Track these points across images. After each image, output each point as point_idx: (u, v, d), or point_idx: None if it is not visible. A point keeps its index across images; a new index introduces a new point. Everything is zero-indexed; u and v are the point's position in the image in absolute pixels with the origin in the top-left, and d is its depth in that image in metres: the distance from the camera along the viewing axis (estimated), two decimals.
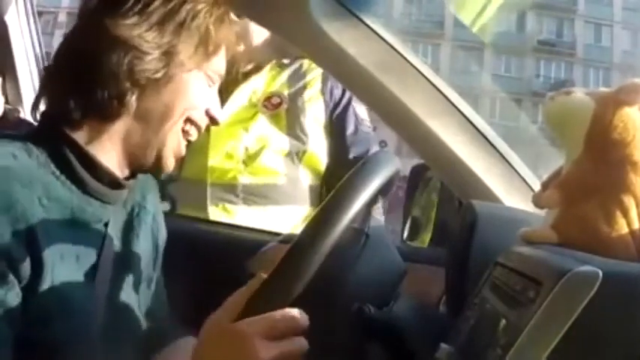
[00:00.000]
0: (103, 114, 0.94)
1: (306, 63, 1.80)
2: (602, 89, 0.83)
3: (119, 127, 0.96)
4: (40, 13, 2.22)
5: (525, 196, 1.32)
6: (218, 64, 1.00)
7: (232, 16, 1.01)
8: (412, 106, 1.32)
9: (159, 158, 0.97)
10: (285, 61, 1.81)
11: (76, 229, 0.93)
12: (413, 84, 1.32)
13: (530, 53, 29.40)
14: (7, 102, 2.13)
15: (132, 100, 0.93)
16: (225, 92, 1.76)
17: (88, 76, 0.92)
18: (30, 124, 2.10)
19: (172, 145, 0.97)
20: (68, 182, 0.93)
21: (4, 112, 2.09)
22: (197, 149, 1.71)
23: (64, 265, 0.91)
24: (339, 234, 0.90)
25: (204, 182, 1.71)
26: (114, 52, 0.91)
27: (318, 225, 0.90)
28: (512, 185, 1.35)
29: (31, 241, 0.86)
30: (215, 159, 1.71)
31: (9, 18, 2.00)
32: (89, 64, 0.92)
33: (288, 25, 1.33)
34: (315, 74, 1.79)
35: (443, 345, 0.82)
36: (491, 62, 29.03)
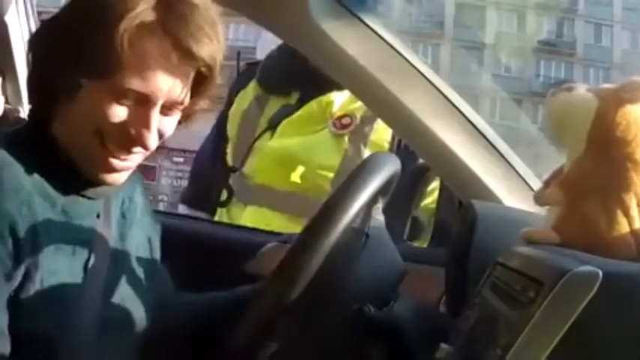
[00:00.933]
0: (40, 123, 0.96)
1: None
2: (605, 85, 0.82)
3: (58, 129, 0.96)
4: (40, 13, 2.22)
5: (525, 196, 1.32)
6: (127, 82, 0.90)
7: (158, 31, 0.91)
8: (412, 106, 1.32)
9: (89, 169, 0.95)
10: None
11: (68, 224, 0.94)
12: (413, 84, 1.32)
13: (530, 53, 29.39)
14: (7, 102, 2.13)
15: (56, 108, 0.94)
16: (304, 99, 1.74)
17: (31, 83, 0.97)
18: None
19: (96, 159, 0.94)
20: (50, 186, 0.94)
21: (4, 112, 2.09)
22: (259, 149, 1.72)
23: (58, 260, 0.92)
24: (339, 234, 0.90)
25: (252, 180, 1.72)
26: (39, 61, 0.95)
27: (319, 225, 0.90)
28: (512, 185, 1.35)
29: (22, 246, 0.88)
30: (267, 161, 1.72)
31: (9, 18, 2.00)
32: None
33: (288, 25, 1.33)
34: None
35: (443, 345, 0.82)
36: (491, 62, 29.03)
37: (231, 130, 1.83)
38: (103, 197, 1.01)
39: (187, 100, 0.95)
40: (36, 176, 0.92)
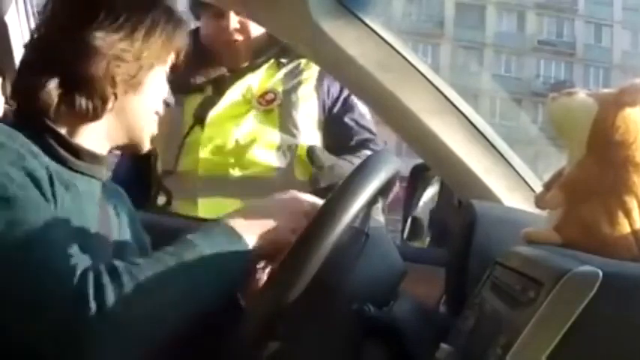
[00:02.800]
0: (86, 116, 1.03)
1: (303, 62, 1.82)
2: (605, 90, 0.83)
3: (101, 124, 1.05)
4: (40, 13, 2.22)
5: (525, 195, 1.32)
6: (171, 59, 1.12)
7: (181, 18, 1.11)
8: (412, 106, 1.32)
9: (139, 141, 1.11)
10: (284, 60, 1.82)
11: (77, 198, 1.00)
12: (413, 84, 1.32)
13: (530, 53, 29.41)
14: (7, 102, 2.13)
15: (112, 102, 1.03)
16: (220, 88, 1.79)
17: (66, 83, 1.01)
18: None
19: (148, 129, 1.11)
20: (53, 163, 0.98)
21: (4, 112, 2.09)
22: (192, 144, 1.75)
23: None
24: (339, 234, 0.90)
25: (195, 175, 1.73)
26: (92, 61, 1.00)
27: (319, 225, 0.90)
28: (512, 185, 1.35)
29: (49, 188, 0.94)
30: (206, 152, 1.73)
31: (9, 18, 2.00)
32: (67, 71, 1.01)
33: (288, 25, 1.33)
34: (311, 72, 1.81)
35: (443, 345, 0.82)
36: (491, 62, 29.04)
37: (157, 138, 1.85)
38: (100, 176, 1.07)
39: None
40: (46, 157, 0.97)
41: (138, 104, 1.07)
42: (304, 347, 1.02)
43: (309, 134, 1.78)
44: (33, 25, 2.10)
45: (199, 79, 1.80)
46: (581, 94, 0.82)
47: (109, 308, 0.82)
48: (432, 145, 1.34)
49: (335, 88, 1.81)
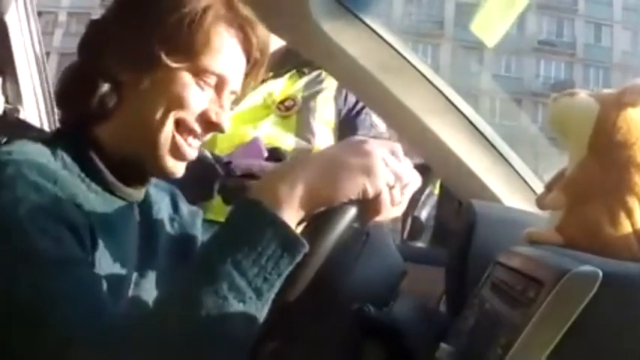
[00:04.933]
0: (98, 115, 0.96)
1: (324, 72, 1.84)
2: (606, 90, 0.83)
3: (111, 129, 0.97)
4: (40, 13, 2.22)
5: (525, 196, 1.32)
6: (210, 64, 0.95)
7: (238, 11, 0.98)
8: (412, 106, 1.32)
9: (156, 159, 0.96)
10: (305, 70, 1.86)
11: (107, 230, 0.93)
12: (413, 84, 1.32)
13: (530, 53, 29.41)
14: (7, 102, 2.13)
15: (113, 100, 0.95)
16: (241, 94, 1.80)
17: (83, 81, 0.95)
18: (29, 124, 2.10)
19: (167, 146, 0.96)
20: (93, 185, 0.94)
21: (4, 112, 2.09)
22: (208, 142, 1.74)
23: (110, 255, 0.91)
24: (339, 234, 0.90)
25: None
26: (100, 57, 0.94)
27: (319, 225, 0.90)
28: (512, 185, 1.35)
29: (81, 212, 0.87)
30: (222, 151, 1.73)
31: (9, 18, 2.00)
32: (84, 67, 0.96)
33: (288, 25, 1.33)
34: (331, 82, 1.84)
35: (443, 345, 0.82)
36: (491, 62, 29.04)
37: None
38: (139, 199, 1.01)
39: (239, 89, 1.01)
40: (77, 180, 0.93)
41: (144, 109, 0.96)
42: (304, 347, 1.02)
43: (324, 139, 1.80)
44: (33, 25, 2.10)
45: None
46: (583, 95, 0.82)
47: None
48: (432, 145, 1.34)
49: (352, 98, 1.83)
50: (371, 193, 0.81)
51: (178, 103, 0.94)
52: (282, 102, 1.80)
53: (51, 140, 0.96)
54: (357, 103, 1.83)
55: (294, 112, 1.80)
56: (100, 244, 0.89)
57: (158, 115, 0.94)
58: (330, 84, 1.84)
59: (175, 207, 1.13)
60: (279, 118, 1.79)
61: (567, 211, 0.81)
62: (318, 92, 1.83)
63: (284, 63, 1.82)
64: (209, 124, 0.97)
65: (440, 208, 1.64)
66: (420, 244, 1.73)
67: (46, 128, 2.22)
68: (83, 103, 0.95)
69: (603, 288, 0.61)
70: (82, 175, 0.94)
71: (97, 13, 1.18)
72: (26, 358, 0.77)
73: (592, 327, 0.61)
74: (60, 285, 0.77)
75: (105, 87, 0.94)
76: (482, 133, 1.34)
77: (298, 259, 0.78)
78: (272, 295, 0.78)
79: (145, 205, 1.05)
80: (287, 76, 1.84)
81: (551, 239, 0.81)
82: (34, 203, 0.82)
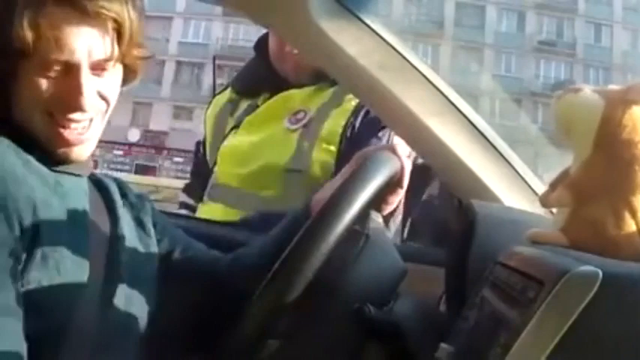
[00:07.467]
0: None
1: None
2: (611, 86, 0.82)
3: (19, 116, 0.99)
4: None
5: (525, 196, 1.32)
6: (54, 52, 0.95)
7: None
8: (412, 106, 1.31)
9: (49, 146, 0.99)
10: (333, 84, 1.77)
11: (63, 200, 0.97)
12: (413, 84, 1.32)
13: (530, 53, 29.41)
14: None
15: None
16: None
17: None
18: None
19: (49, 132, 0.98)
20: (34, 163, 0.97)
21: None
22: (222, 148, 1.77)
23: (58, 237, 0.94)
24: (339, 234, 0.90)
25: (215, 179, 1.76)
26: None
27: (319, 225, 0.90)
28: (512, 185, 1.35)
29: (25, 228, 0.90)
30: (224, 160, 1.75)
31: None
32: None
33: (288, 25, 1.33)
34: (350, 105, 1.74)
35: (443, 345, 0.82)
36: (491, 62, 29.04)
37: (207, 131, 1.88)
38: (82, 172, 1.04)
39: (114, 55, 1.00)
40: (22, 155, 0.95)
41: (15, 97, 1.00)
42: (304, 347, 1.02)
43: (324, 154, 1.71)
44: None
45: (258, 86, 1.81)
46: (587, 91, 0.81)
47: None
48: (432, 145, 1.34)
49: (362, 128, 1.73)
50: None
51: (38, 93, 0.96)
52: (295, 113, 1.73)
53: None
54: (367, 114, 1.72)
55: (300, 128, 1.72)
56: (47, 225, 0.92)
57: (32, 107, 0.97)
58: (346, 106, 1.74)
59: (123, 193, 1.15)
60: (284, 131, 1.72)
61: (572, 211, 0.80)
62: (334, 106, 1.74)
63: (323, 75, 1.70)
64: (69, 106, 0.98)
65: (440, 208, 1.63)
66: (419, 244, 1.72)
67: None
68: None
69: (603, 288, 0.61)
70: (23, 155, 0.96)
71: None
72: None
73: (592, 327, 0.61)
74: None
75: None
76: (482, 133, 1.34)
77: None
78: None
79: (95, 179, 1.09)
80: (313, 87, 1.76)
81: (556, 239, 0.80)
82: None
